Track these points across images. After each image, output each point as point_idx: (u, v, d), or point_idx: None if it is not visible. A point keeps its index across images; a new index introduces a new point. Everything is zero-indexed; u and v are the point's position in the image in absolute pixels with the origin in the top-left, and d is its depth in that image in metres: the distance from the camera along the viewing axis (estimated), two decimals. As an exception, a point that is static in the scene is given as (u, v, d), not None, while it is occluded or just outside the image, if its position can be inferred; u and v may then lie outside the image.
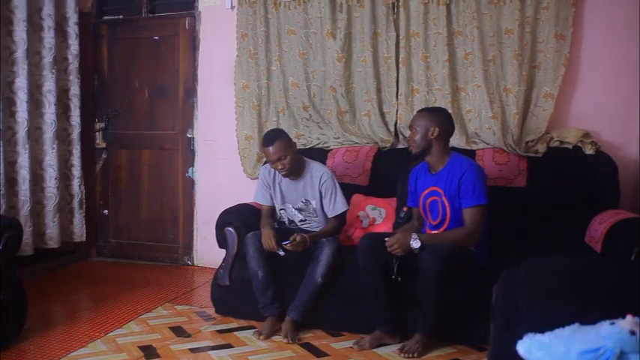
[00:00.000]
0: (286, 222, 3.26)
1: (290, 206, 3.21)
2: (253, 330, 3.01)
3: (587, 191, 3.18)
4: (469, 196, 2.72)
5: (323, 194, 3.12)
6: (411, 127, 2.89)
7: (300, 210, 3.19)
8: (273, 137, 3.07)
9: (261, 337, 2.91)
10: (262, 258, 3.02)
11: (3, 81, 3.72)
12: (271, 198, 3.24)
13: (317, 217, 3.18)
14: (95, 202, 4.64)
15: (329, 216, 3.15)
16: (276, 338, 2.93)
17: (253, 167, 4.02)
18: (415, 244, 2.65)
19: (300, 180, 3.16)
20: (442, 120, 2.83)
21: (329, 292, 2.99)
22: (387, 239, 2.71)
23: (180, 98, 4.41)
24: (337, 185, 3.15)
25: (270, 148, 3.03)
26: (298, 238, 2.92)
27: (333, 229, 3.14)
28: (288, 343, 2.85)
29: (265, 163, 3.43)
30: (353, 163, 3.58)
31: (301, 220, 3.22)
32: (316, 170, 3.16)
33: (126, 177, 4.62)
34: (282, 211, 3.24)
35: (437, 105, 3.52)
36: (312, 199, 3.15)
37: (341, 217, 3.16)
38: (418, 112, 2.98)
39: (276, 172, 3.17)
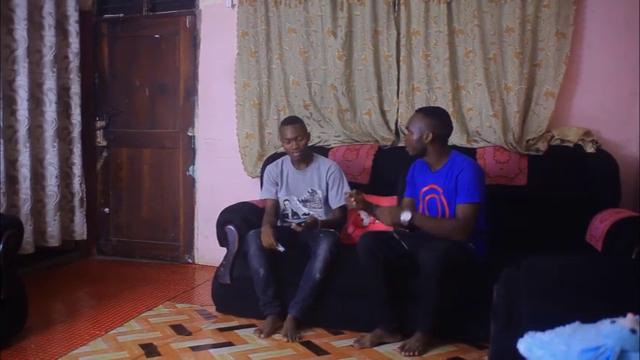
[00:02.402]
0: (289, 214, 3.28)
1: (295, 198, 3.25)
2: (254, 328, 3.01)
3: (588, 190, 3.18)
4: (464, 193, 2.74)
5: (330, 185, 3.20)
6: (407, 129, 2.90)
7: (304, 202, 3.24)
8: (295, 119, 3.27)
9: (262, 336, 2.92)
10: (263, 256, 3.02)
11: (4, 79, 3.72)
12: (277, 193, 3.31)
13: (321, 208, 3.23)
14: (96, 200, 4.64)
15: (333, 207, 3.21)
16: (276, 337, 2.93)
17: (254, 166, 4.02)
18: (405, 215, 2.72)
19: (307, 170, 3.24)
20: (436, 123, 2.82)
21: (329, 290, 3.00)
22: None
23: (180, 97, 4.41)
24: (344, 177, 3.24)
25: (291, 127, 3.15)
26: (309, 220, 3.01)
27: (339, 219, 3.22)
28: (289, 341, 2.85)
29: (266, 162, 3.44)
30: (354, 162, 3.58)
31: (304, 214, 3.24)
32: (324, 162, 3.26)
33: (127, 175, 4.62)
34: (286, 202, 3.29)
35: (438, 103, 3.52)
36: (318, 189, 3.22)
37: (345, 209, 3.20)
38: (415, 112, 2.96)
39: (283, 165, 3.27)
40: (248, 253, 3.05)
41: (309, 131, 3.82)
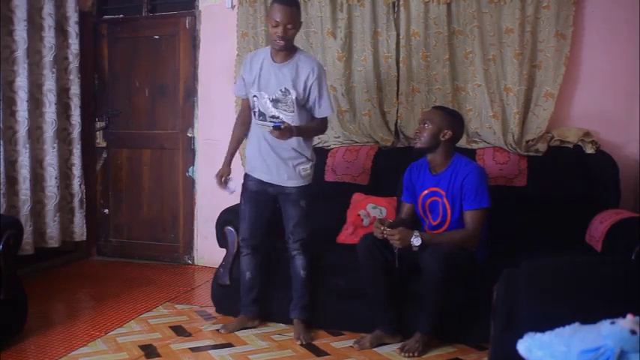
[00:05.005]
0: (257, 113, 2.90)
1: (265, 96, 2.85)
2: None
3: (588, 190, 3.18)
4: (472, 199, 2.72)
5: (312, 92, 2.82)
6: (422, 121, 2.85)
7: (275, 102, 2.83)
8: (292, 0, 2.78)
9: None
10: (253, 260, 3.04)
11: (4, 80, 3.72)
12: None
13: (293, 112, 2.83)
14: (96, 201, 4.64)
15: (317, 116, 2.91)
16: (276, 337, 2.94)
17: (254, 166, 4.01)
18: (416, 241, 2.64)
19: (284, 65, 2.82)
20: (456, 125, 2.84)
21: (329, 291, 3.01)
22: (387, 229, 2.68)
23: (180, 97, 4.41)
24: (326, 85, 2.91)
25: (283, 8, 2.69)
26: (284, 126, 2.67)
27: (319, 127, 2.96)
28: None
29: None
30: (353, 163, 3.58)
31: (272, 117, 2.84)
32: (305, 61, 2.85)
33: (126, 176, 4.62)
34: (254, 99, 2.88)
35: (437, 104, 3.52)
36: (292, 89, 2.80)
37: (325, 121, 2.98)
38: (435, 108, 2.96)
39: (264, 54, 2.88)
40: (241, 254, 3.07)
41: None
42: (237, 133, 3.12)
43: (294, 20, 2.74)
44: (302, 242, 2.95)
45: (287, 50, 2.81)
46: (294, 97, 2.80)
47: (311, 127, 2.90)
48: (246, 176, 3.07)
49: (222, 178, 3.06)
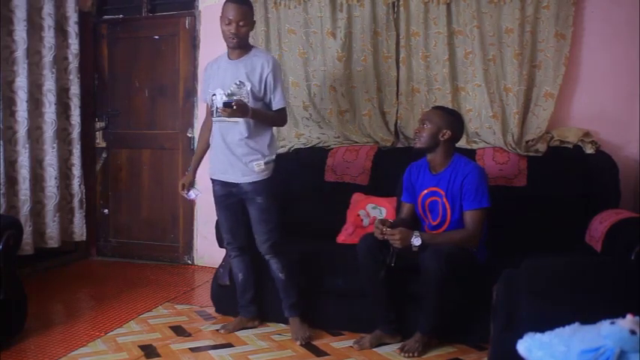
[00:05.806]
0: (214, 111, 2.89)
1: (221, 92, 2.83)
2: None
3: (588, 191, 3.18)
4: (472, 199, 2.72)
5: (267, 81, 2.81)
6: (422, 121, 2.86)
7: (230, 95, 2.79)
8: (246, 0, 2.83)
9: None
10: (243, 262, 3.05)
11: (3, 80, 3.72)
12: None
13: (247, 103, 2.78)
14: (95, 201, 4.64)
15: (273, 108, 2.88)
16: (276, 337, 2.94)
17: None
18: (416, 241, 2.64)
19: (239, 61, 2.85)
20: (455, 125, 2.84)
21: (329, 291, 3.01)
22: (387, 229, 2.68)
23: (180, 97, 4.41)
24: (281, 77, 2.92)
25: (235, 7, 2.74)
26: (236, 103, 2.65)
27: (276, 117, 2.90)
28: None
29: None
30: (353, 163, 3.58)
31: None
32: (259, 55, 2.87)
33: (126, 176, 4.62)
34: (213, 97, 2.87)
35: (437, 104, 3.52)
36: (247, 81, 2.80)
37: (284, 112, 2.94)
38: (435, 108, 2.97)
39: (218, 60, 2.94)
40: (230, 257, 3.08)
41: (308, 133, 3.83)
42: (203, 141, 3.10)
43: (246, 18, 2.77)
44: (271, 244, 2.89)
45: (241, 48, 2.83)
46: (249, 89, 2.79)
47: (268, 113, 2.86)
48: (212, 181, 3.04)
49: (184, 186, 3.09)
